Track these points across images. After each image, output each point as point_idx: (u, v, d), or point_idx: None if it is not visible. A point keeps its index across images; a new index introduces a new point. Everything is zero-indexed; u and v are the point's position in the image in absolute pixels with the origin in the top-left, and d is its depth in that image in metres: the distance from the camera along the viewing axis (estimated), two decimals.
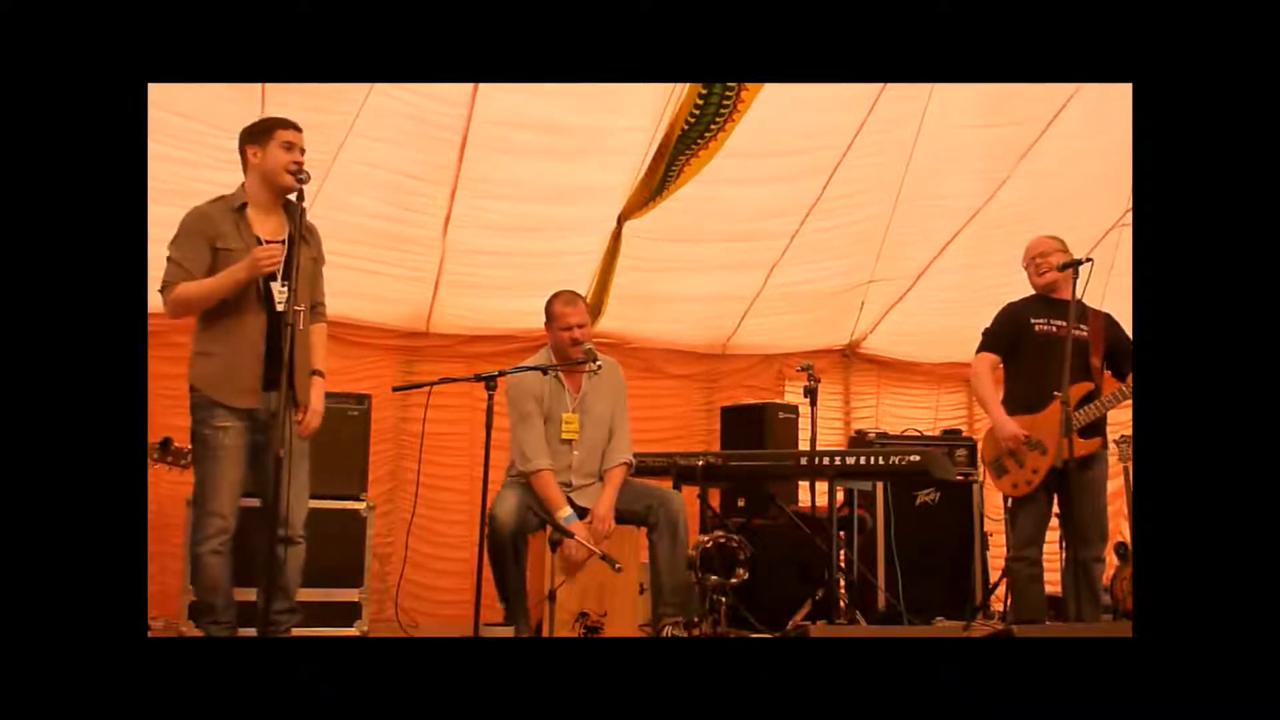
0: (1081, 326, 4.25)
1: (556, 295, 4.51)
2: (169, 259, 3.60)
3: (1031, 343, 4.39)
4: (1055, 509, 4.39)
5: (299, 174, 3.54)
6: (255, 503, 3.66)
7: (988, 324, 4.63)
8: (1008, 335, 4.50)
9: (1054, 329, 4.33)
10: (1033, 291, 4.55)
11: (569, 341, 4.38)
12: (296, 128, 3.69)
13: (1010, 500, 4.45)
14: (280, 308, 3.52)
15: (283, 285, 3.55)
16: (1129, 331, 4.25)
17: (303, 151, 3.66)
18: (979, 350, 4.59)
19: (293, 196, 3.60)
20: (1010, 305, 4.56)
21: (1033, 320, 4.42)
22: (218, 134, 4.96)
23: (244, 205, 3.67)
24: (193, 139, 5.08)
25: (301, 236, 3.60)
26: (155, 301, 5.60)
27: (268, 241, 3.60)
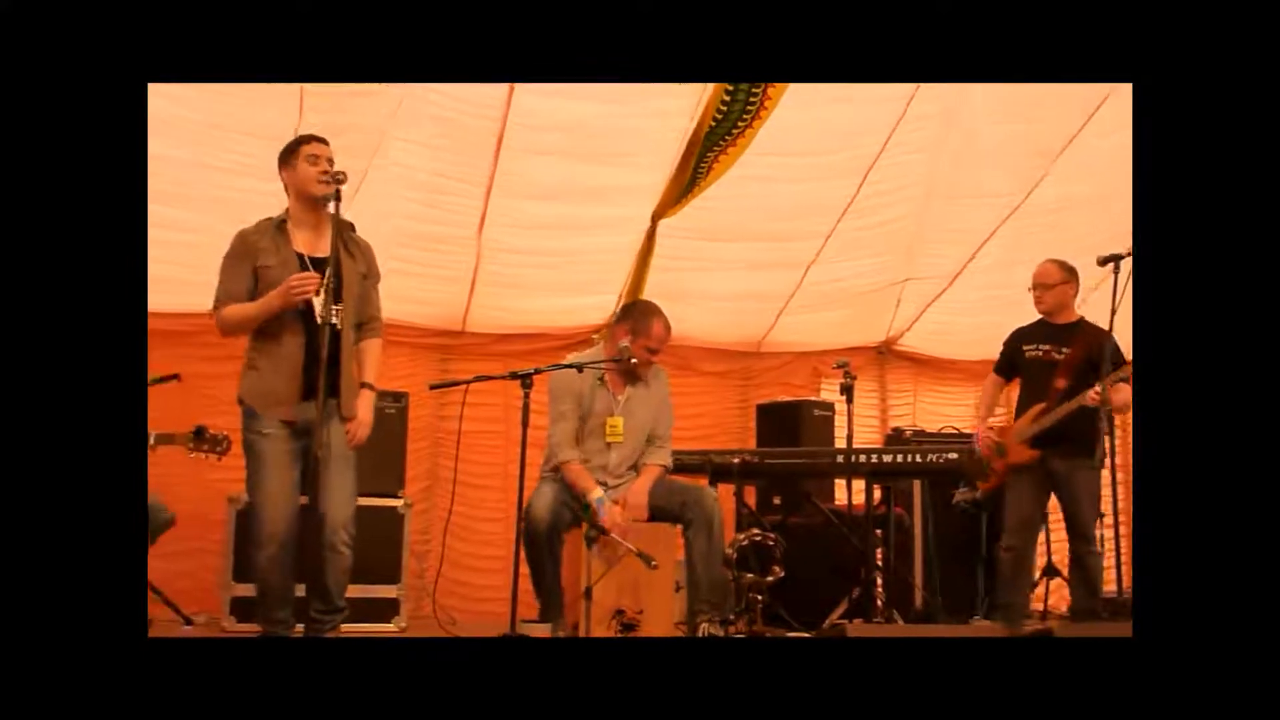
0: (1063, 350, 4.63)
1: (656, 314, 4.49)
2: (218, 281, 3.73)
3: (1024, 366, 4.79)
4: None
5: (333, 177, 3.57)
6: (306, 500, 3.71)
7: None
8: (1006, 359, 4.92)
9: (1041, 353, 4.70)
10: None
11: (647, 357, 4.42)
12: (322, 140, 3.76)
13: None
14: (320, 321, 3.57)
15: (325, 298, 3.59)
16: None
17: (331, 161, 3.70)
18: (993, 369, 5.03)
19: (331, 206, 3.62)
20: (1015, 331, 4.91)
21: (1024, 346, 4.78)
22: (252, 140, 5.03)
23: (284, 222, 3.75)
24: (227, 145, 5.15)
25: (347, 251, 3.68)
26: (155, 302, 5.72)
27: (310, 257, 3.68)
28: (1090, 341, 4.56)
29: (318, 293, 3.60)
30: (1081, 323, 4.69)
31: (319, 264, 3.68)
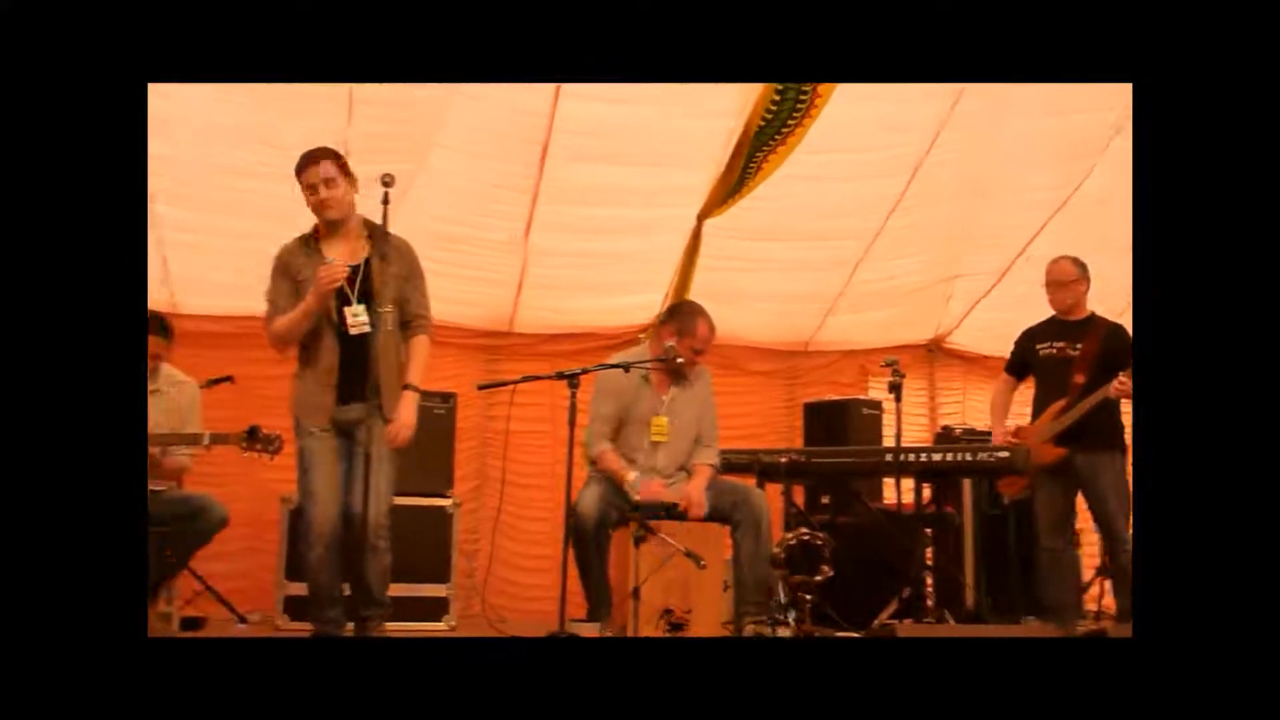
0: (1077, 346, 4.66)
1: (700, 314, 4.50)
2: (266, 298, 3.85)
3: (1038, 365, 4.82)
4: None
5: (380, 180, 3.59)
6: None
7: None
8: (1018, 359, 4.96)
9: (1055, 350, 4.73)
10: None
11: (693, 357, 4.43)
12: (314, 161, 3.75)
13: None
14: (352, 331, 3.70)
15: (357, 307, 3.71)
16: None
17: (329, 182, 3.72)
18: (1002, 370, 5.07)
19: (376, 217, 3.69)
20: (1025, 331, 4.95)
21: (1037, 345, 4.82)
22: (305, 147, 5.09)
23: (313, 236, 3.83)
24: (277, 152, 5.21)
25: (380, 256, 3.72)
26: (210, 305, 5.83)
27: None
28: (1105, 335, 4.60)
29: (351, 293, 3.69)
30: (1093, 317, 4.73)
31: (352, 272, 3.75)
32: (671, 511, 4.27)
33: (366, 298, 3.75)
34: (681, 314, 4.55)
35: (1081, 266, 4.76)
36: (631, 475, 4.26)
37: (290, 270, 3.80)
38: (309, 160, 3.76)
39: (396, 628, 4.52)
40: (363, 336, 3.70)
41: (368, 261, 3.77)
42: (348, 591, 3.78)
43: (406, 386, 3.81)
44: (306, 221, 3.88)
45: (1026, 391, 5.04)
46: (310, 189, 3.75)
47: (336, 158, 3.78)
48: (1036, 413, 4.81)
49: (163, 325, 4.45)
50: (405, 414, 3.77)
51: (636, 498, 4.17)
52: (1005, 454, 4.83)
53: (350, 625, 3.74)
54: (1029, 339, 4.89)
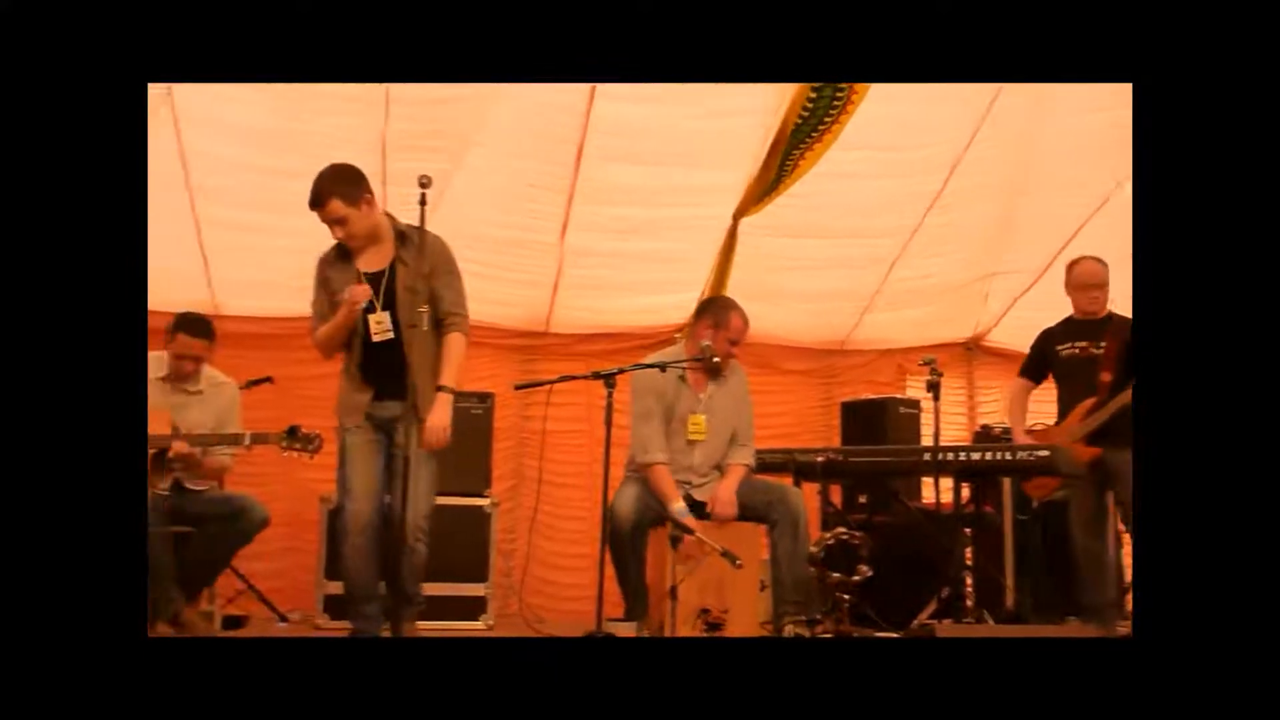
0: (1100, 344, 4.68)
1: (733, 306, 4.52)
2: (311, 307, 3.97)
3: (1060, 366, 4.83)
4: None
5: (418, 182, 3.60)
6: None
7: None
8: (1035, 361, 4.97)
9: (1078, 350, 4.77)
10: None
11: (729, 350, 4.42)
12: (319, 204, 3.77)
13: None
14: (375, 338, 3.81)
15: (381, 314, 3.81)
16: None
17: (343, 221, 3.77)
18: (1018, 374, 5.08)
19: (414, 217, 3.73)
20: (1043, 333, 4.97)
21: (1058, 347, 4.83)
22: (346, 147, 5.13)
23: (343, 245, 3.89)
24: (315, 153, 5.25)
25: (409, 257, 3.78)
26: (251, 306, 5.89)
27: (367, 273, 3.84)
28: (1127, 331, 4.58)
29: (376, 299, 3.79)
30: (1111, 315, 4.76)
31: (376, 278, 3.84)
32: (701, 513, 4.27)
33: (390, 303, 3.81)
34: (715, 307, 4.57)
35: (1106, 266, 4.78)
36: (677, 505, 4.21)
37: (325, 279, 3.91)
38: (313, 203, 3.79)
39: (435, 626, 4.55)
40: (389, 340, 3.79)
41: (393, 266, 3.81)
42: (384, 591, 3.81)
43: (440, 388, 3.82)
44: None
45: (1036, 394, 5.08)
46: (330, 224, 3.81)
47: (343, 192, 3.77)
48: (1063, 413, 4.80)
49: (205, 327, 4.50)
50: (438, 417, 3.78)
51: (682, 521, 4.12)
52: (1045, 453, 4.78)
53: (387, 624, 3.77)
54: (1048, 341, 4.91)
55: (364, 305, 3.78)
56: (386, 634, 3.74)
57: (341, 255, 3.91)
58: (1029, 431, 4.95)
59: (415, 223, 3.72)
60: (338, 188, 3.77)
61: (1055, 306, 7.07)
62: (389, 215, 3.95)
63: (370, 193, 3.84)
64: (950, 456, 5.05)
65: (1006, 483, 5.63)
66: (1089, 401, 4.64)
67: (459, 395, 3.95)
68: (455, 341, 3.91)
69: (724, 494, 4.30)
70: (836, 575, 4.14)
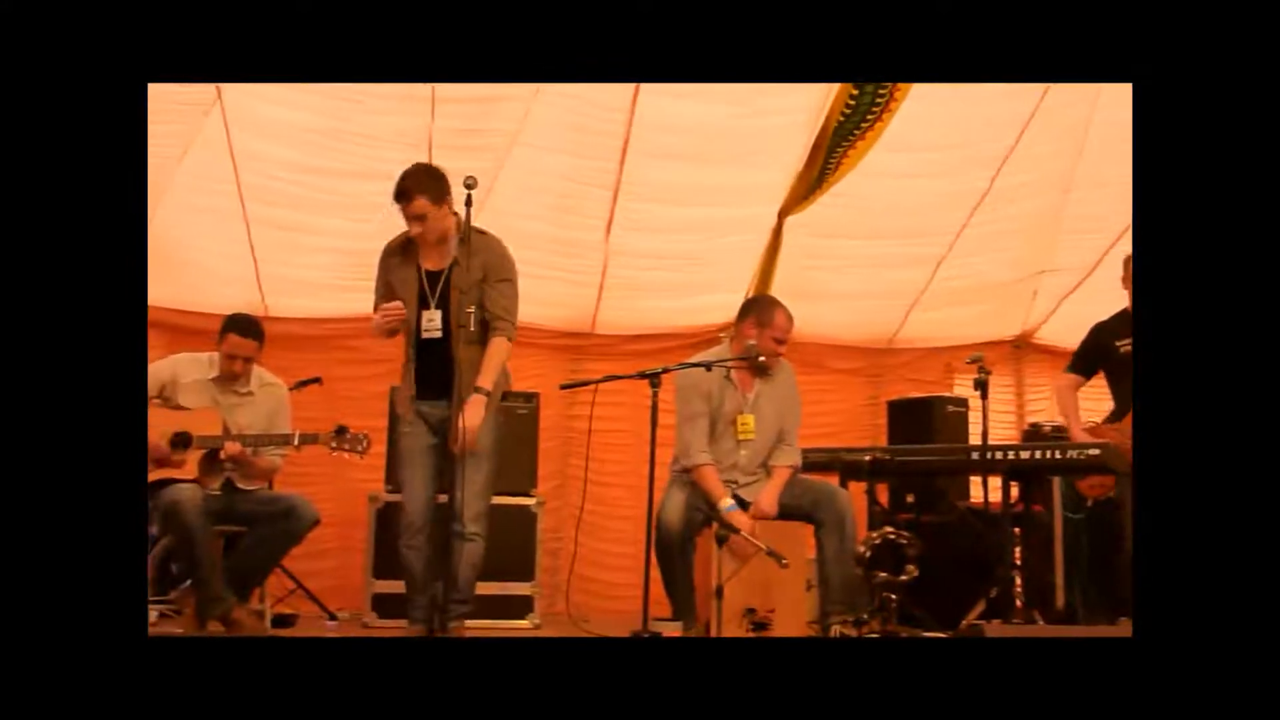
0: None
1: (777, 304, 4.51)
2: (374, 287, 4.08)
3: (1117, 361, 4.68)
4: None
5: (464, 183, 3.65)
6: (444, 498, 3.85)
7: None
8: (1089, 357, 4.84)
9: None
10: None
11: (775, 348, 4.41)
12: (405, 198, 3.84)
13: None
14: (424, 336, 3.90)
15: (434, 312, 3.89)
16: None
17: (419, 219, 3.84)
18: (1065, 369, 4.94)
19: (461, 211, 3.79)
20: (1097, 326, 4.82)
21: (1115, 342, 4.68)
22: (391, 147, 5.18)
23: (409, 239, 3.96)
24: (365, 152, 5.31)
25: (458, 262, 3.82)
26: (299, 307, 5.95)
27: (428, 271, 3.92)
28: None
29: (431, 297, 3.88)
30: None
31: (434, 277, 3.91)
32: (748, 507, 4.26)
33: (445, 302, 3.85)
34: (759, 306, 4.55)
35: None
36: (726, 503, 4.20)
37: (385, 268, 4.02)
38: (399, 195, 3.87)
39: (482, 625, 4.58)
40: (439, 339, 3.85)
41: (452, 266, 3.85)
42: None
43: (476, 389, 3.85)
44: (395, 220, 3.99)
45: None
46: (409, 219, 3.88)
47: (428, 188, 3.84)
48: (1122, 409, 4.69)
49: (255, 328, 4.56)
50: (469, 418, 3.76)
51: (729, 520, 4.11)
52: (1096, 451, 4.72)
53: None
54: (1104, 335, 4.79)
55: (418, 301, 3.89)
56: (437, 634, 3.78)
57: (405, 248, 3.98)
58: (1086, 429, 4.83)
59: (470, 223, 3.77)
60: (426, 186, 3.85)
61: (1105, 303, 7.00)
62: (456, 214, 3.97)
63: (451, 194, 3.90)
64: (999, 455, 5.00)
65: (1056, 481, 5.56)
66: None
67: (505, 395, 3.98)
68: (498, 345, 3.94)
69: (766, 500, 4.29)
70: (883, 575, 4.11)
